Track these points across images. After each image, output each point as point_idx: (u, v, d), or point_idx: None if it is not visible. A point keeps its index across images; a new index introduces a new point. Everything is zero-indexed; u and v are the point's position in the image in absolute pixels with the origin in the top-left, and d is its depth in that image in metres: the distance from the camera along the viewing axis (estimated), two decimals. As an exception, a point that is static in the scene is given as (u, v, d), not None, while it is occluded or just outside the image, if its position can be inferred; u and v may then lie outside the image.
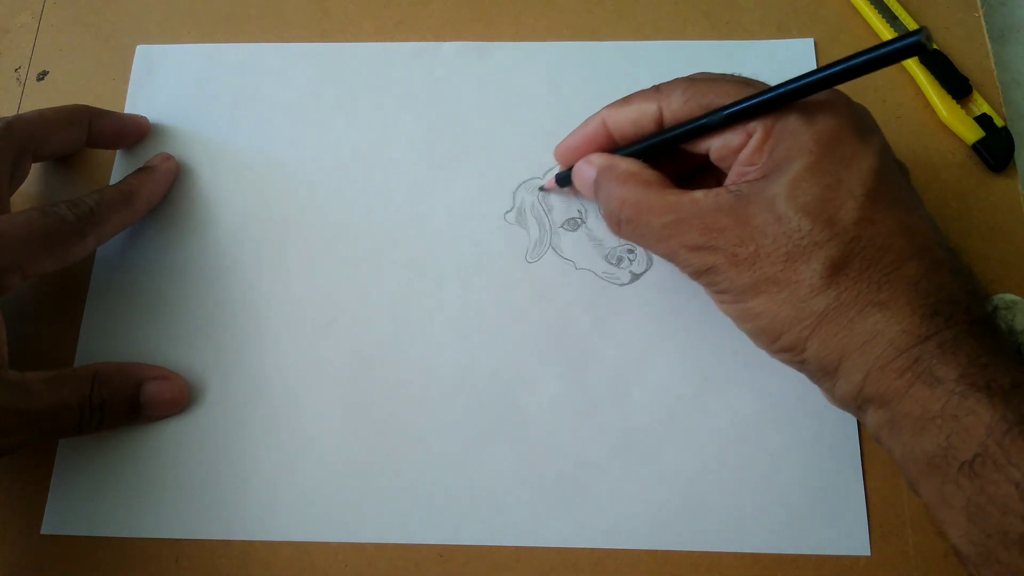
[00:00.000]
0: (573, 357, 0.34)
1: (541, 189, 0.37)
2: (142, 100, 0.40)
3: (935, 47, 0.38)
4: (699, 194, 0.28)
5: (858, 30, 0.39)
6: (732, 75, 0.30)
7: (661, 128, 0.30)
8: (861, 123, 0.27)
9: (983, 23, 0.39)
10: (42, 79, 0.41)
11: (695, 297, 0.35)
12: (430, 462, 0.33)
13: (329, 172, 0.38)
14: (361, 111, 0.39)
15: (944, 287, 0.25)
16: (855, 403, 0.26)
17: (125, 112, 0.39)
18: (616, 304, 0.35)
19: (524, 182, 0.37)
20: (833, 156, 0.26)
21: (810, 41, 0.39)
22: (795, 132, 0.26)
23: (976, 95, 0.37)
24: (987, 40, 0.38)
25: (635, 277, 0.35)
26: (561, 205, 0.37)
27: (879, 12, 0.39)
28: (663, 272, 0.35)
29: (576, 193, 0.36)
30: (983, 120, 0.36)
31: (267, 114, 0.39)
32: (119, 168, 0.38)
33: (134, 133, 0.38)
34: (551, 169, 0.37)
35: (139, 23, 0.41)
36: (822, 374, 0.27)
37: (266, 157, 0.38)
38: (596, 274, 0.36)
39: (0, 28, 0.42)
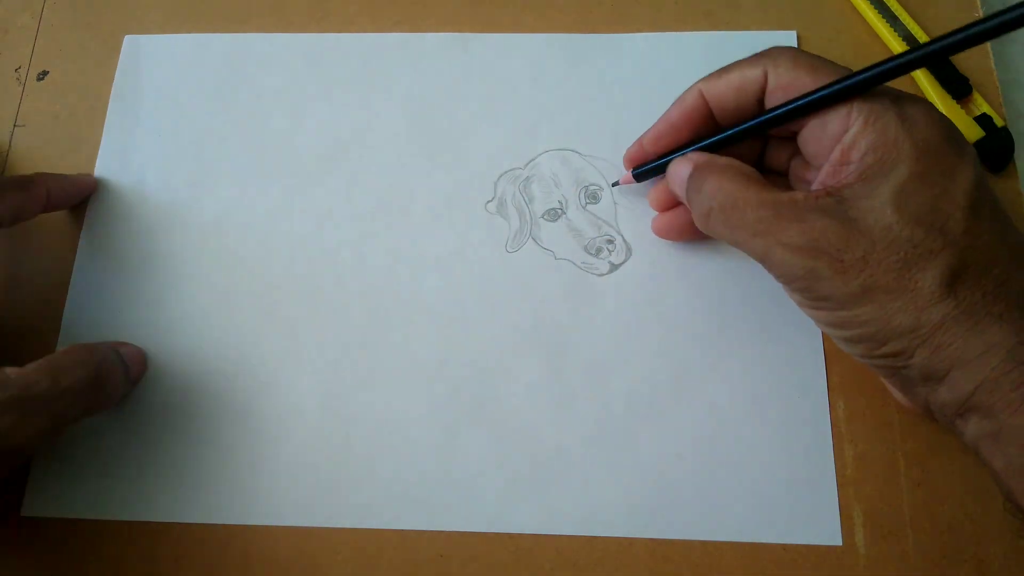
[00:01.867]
0: (551, 346, 0.35)
1: (614, 185, 0.36)
2: (128, 90, 0.40)
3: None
4: (799, 194, 0.27)
5: (858, 30, 0.39)
6: None
7: (763, 96, 0.29)
8: (956, 135, 0.27)
9: (983, 23, 0.39)
10: (42, 79, 0.41)
11: (673, 288, 0.35)
12: (407, 449, 0.34)
13: (312, 161, 0.38)
14: (345, 100, 0.39)
15: None
16: (955, 410, 0.26)
17: (110, 102, 0.40)
18: (594, 294, 0.35)
19: (506, 172, 0.37)
20: (936, 166, 0.26)
21: (792, 33, 0.39)
22: (896, 138, 0.26)
23: (976, 95, 0.37)
24: (987, 40, 0.38)
25: (614, 268, 0.36)
26: (542, 195, 0.37)
27: (879, 13, 0.39)
28: (642, 263, 0.36)
29: (656, 184, 0.35)
30: (983, 120, 0.36)
31: (252, 103, 0.40)
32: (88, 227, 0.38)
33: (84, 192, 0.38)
34: (532, 160, 0.37)
35: (139, 23, 0.42)
36: (923, 380, 0.26)
37: (250, 145, 0.39)
38: (575, 264, 0.36)
39: (0, 28, 0.42)
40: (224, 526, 0.33)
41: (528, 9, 0.41)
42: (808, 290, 0.27)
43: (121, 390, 0.33)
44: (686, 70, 0.35)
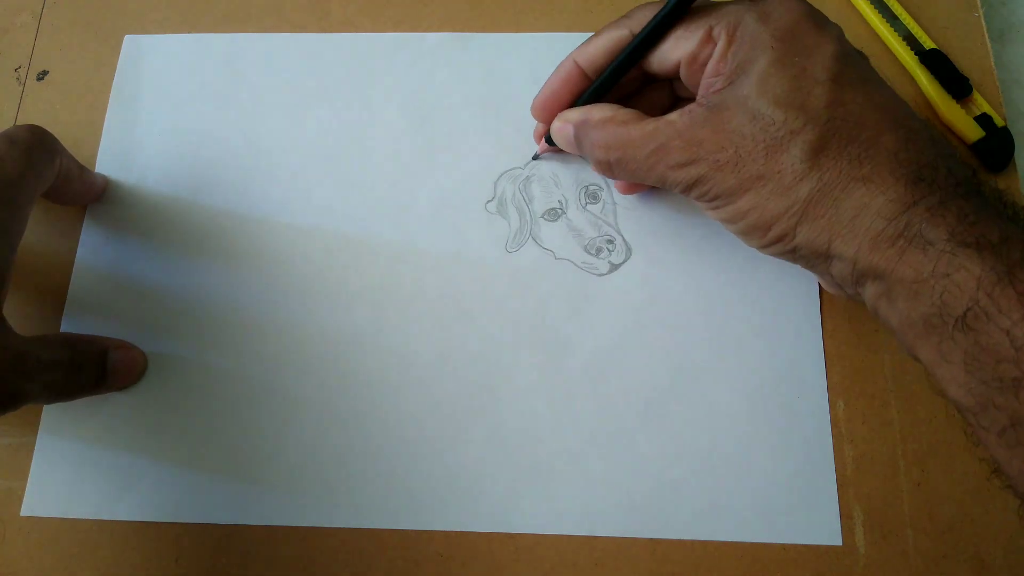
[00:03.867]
0: (551, 346, 0.35)
1: (535, 158, 0.37)
2: (128, 90, 0.40)
3: (934, 47, 0.38)
4: (674, 115, 0.29)
5: (858, 29, 0.39)
6: None
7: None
8: (815, 14, 0.28)
9: (983, 23, 0.39)
10: (42, 79, 0.41)
11: (673, 288, 0.35)
12: (406, 448, 0.34)
13: (312, 161, 0.38)
14: (345, 100, 0.39)
15: (924, 153, 0.26)
16: (852, 280, 0.27)
17: (110, 102, 0.40)
18: (594, 294, 0.35)
19: (505, 172, 0.38)
20: (794, 48, 0.27)
21: None
22: (754, 33, 0.27)
23: (976, 95, 0.37)
24: (987, 40, 0.38)
25: (614, 267, 0.36)
26: (542, 195, 0.37)
27: (879, 12, 0.39)
28: (641, 263, 0.36)
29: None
30: (983, 120, 0.36)
31: (251, 103, 0.40)
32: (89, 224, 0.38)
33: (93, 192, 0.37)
34: (530, 161, 0.37)
35: (139, 23, 0.42)
36: (816, 259, 0.27)
37: (250, 145, 0.39)
38: (575, 264, 0.36)
39: (0, 28, 0.42)
40: (224, 526, 0.33)
41: (528, 9, 0.41)
42: (702, 196, 0.29)
43: (82, 394, 0.33)
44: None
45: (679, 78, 0.31)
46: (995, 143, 0.36)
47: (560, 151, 0.36)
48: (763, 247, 0.29)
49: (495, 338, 0.35)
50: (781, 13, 0.27)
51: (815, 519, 0.32)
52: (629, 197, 0.37)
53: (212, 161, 0.39)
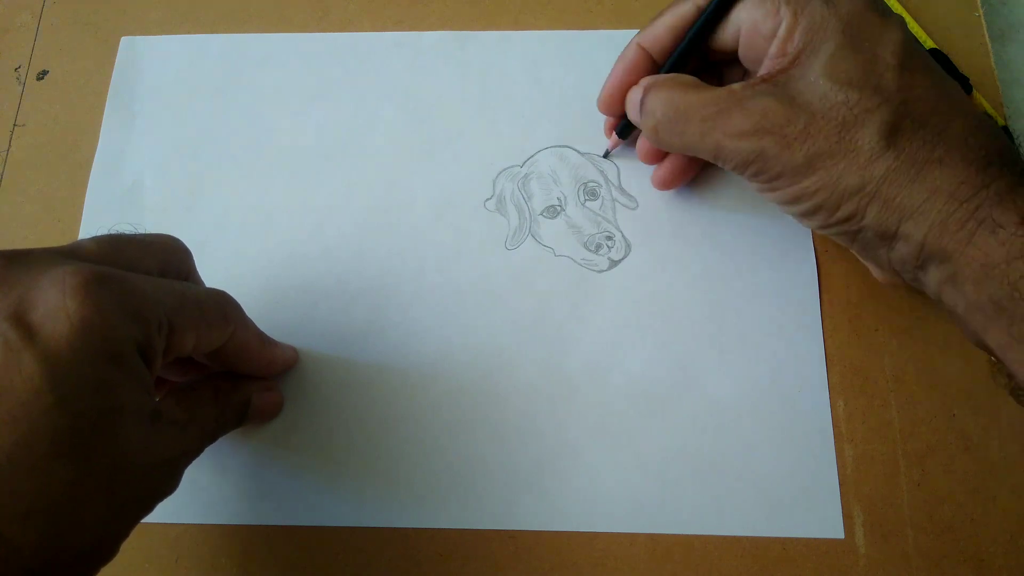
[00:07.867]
0: (551, 343, 0.35)
1: (606, 155, 0.37)
2: (125, 91, 0.40)
3: (935, 46, 0.38)
4: (736, 86, 0.28)
5: (858, 30, 0.39)
6: None
7: None
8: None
9: (983, 23, 0.39)
10: (42, 78, 0.41)
11: (673, 284, 0.35)
12: (407, 447, 0.34)
13: (311, 161, 0.38)
14: (343, 100, 0.39)
15: (992, 140, 0.26)
16: (914, 263, 0.27)
17: (107, 103, 0.40)
18: (594, 291, 0.35)
19: (504, 170, 0.38)
20: (862, 34, 0.27)
21: None
22: (822, 18, 0.27)
23: (976, 95, 0.37)
24: (987, 40, 0.38)
25: (613, 264, 0.36)
26: (541, 193, 0.37)
27: (879, 12, 0.39)
28: (641, 259, 0.36)
29: (639, 142, 0.36)
30: (983, 120, 0.36)
31: (249, 103, 0.40)
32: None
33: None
34: (530, 157, 0.38)
35: (139, 22, 0.42)
36: (879, 240, 0.27)
37: (248, 146, 0.39)
38: (575, 261, 0.36)
39: (0, 28, 0.42)
40: (224, 526, 0.33)
41: (527, 8, 0.41)
42: (761, 172, 0.28)
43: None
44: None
45: (736, 61, 0.31)
46: (995, 143, 0.36)
47: (622, 143, 0.36)
48: (826, 227, 0.28)
49: (495, 336, 0.35)
50: (847, 1, 0.28)
51: (816, 512, 0.32)
52: (628, 192, 0.37)
53: (210, 162, 0.39)
